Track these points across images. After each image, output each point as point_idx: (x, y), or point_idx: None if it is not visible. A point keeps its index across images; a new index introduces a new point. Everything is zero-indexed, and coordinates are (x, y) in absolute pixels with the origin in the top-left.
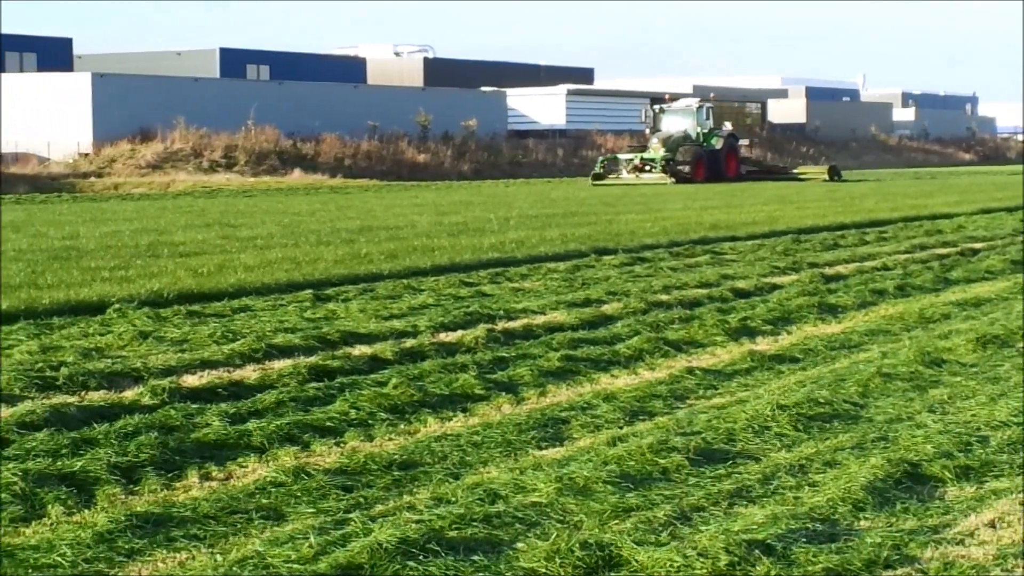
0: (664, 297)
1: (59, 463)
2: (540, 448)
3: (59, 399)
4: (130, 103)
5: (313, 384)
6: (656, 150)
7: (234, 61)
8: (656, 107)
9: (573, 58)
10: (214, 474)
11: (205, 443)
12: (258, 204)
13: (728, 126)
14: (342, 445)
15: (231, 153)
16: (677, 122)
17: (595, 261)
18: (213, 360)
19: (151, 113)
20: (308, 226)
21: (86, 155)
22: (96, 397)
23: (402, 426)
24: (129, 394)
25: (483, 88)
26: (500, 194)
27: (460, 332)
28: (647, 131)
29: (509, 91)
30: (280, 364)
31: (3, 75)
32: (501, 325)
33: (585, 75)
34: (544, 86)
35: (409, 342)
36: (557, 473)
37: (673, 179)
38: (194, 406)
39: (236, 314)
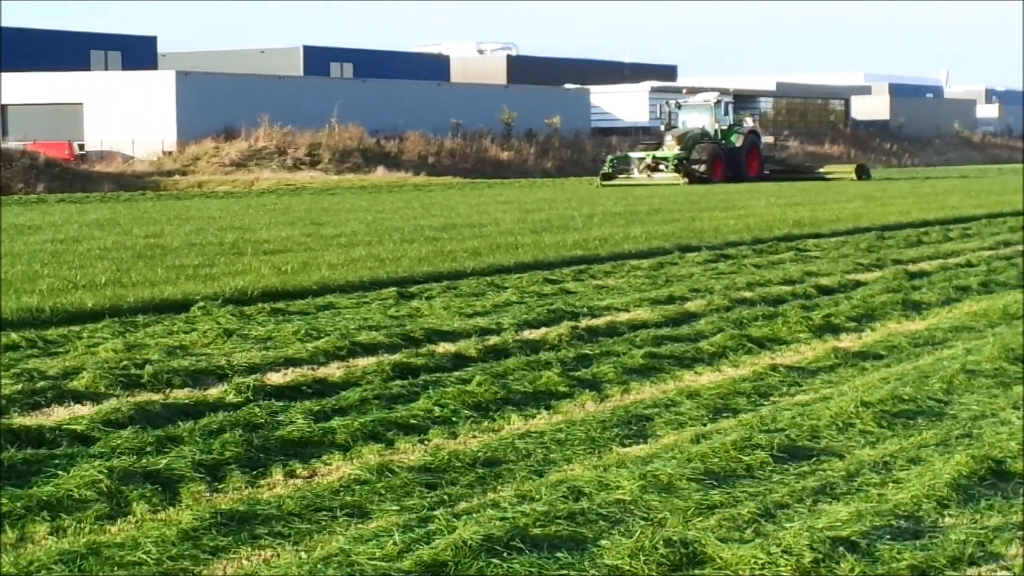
0: (748, 294)
1: (144, 461)
2: (624, 445)
3: (144, 397)
4: (214, 101)
5: (397, 382)
6: (671, 148)
7: (318, 59)
8: (673, 102)
9: (656, 55)
10: (298, 472)
11: (289, 441)
12: (342, 202)
13: (750, 122)
14: (426, 443)
15: (315, 151)
16: (694, 118)
17: (679, 258)
18: (297, 358)
19: (235, 111)
20: (391, 224)
21: (170, 153)
22: (180, 395)
23: (486, 423)
24: (213, 392)
25: (566, 85)
26: (583, 191)
27: (544, 329)
28: (662, 128)
29: (592, 88)
30: (364, 362)
31: (89, 73)
32: (585, 322)
33: (668, 72)
34: (627, 83)
35: (493, 339)
36: (641, 470)
37: (686, 179)
38: (278, 404)
39: (320, 312)
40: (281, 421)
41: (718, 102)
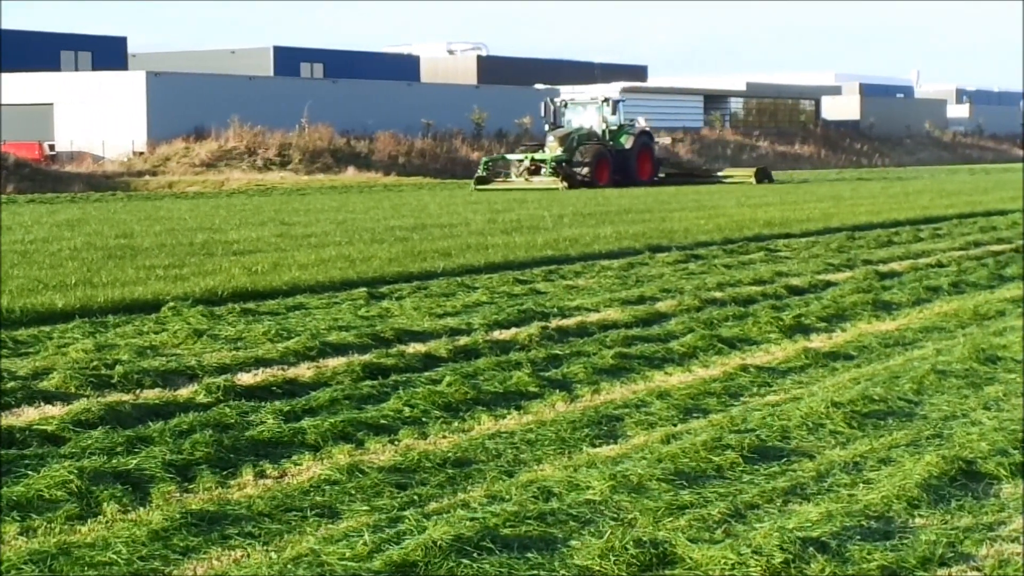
0: (718, 294)
1: (114, 461)
2: (594, 446)
3: (114, 397)
4: (185, 102)
5: (367, 382)
6: (552, 149)
7: (288, 59)
8: (559, 100)
9: (627, 56)
10: (269, 472)
11: (260, 441)
12: (312, 202)
13: (641, 122)
14: (396, 443)
15: (285, 151)
16: (581, 118)
17: (649, 259)
18: (267, 358)
19: (205, 111)
20: (362, 224)
21: (141, 154)
22: (151, 395)
23: (456, 424)
24: (184, 392)
25: (537, 86)
26: (554, 191)
27: (514, 330)
28: (546, 127)
29: (563, 89)
30: (334, 362)
31: (59, 74)
32: (555, 323)
33: (639, 72)
34: (598, 84)
35: (463, 340)
36: (611, 471)
37: (566, 183)
38: (249, 404)
39: (290, 312)
40: (251, 421)
41: (606, 100)
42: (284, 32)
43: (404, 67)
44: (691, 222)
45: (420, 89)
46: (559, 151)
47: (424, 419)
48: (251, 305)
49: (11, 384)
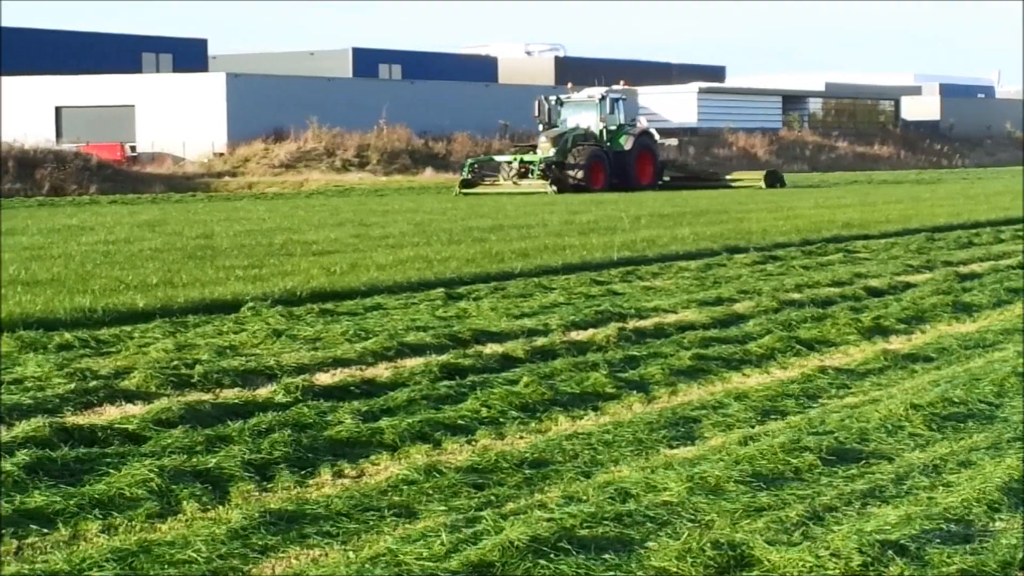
0: (796, 296)
1: (194, 460)
2: (671, 447)
3: (194, 396)
4: (264, 103)
5: (445, 382)
6: (544, 150)
7: (367, 61)
8: (553, 98)
9: (705, 56)
10: (347, 472)
11: (338, 441)
12: (390, 203)
13: (643, 122)
14: (473, 443)
15: (363, 152)
16: (577, 117)
17: (727, 260)
18: (345, 358)
19: (284, 113)
20: (439, 225)
21: (220, 155)
22: (230, 395)
23: (533, 424)
24: (263, 392)
25: (615, 86)
26: (631, 193)
27: (591, 330)
28: (540, 127)
29: (640, 89)
30: (412, 362)
31: (140, 76)
32: (632, 324)
33: (717, 73)
34: (676, 84)
35: (540, 340)
36: (688, 472)
37: (555, 187)
38: (327, 404)
39: (368, 312)
40: (329, 421)
41: (603, 98)
42: (363, 33)
43: (482, 68)
44: (768, 223)
45: (497, 90)
46: (551, 152)
47: (501, 420)
48: (329, 305)
49: (93, 383)
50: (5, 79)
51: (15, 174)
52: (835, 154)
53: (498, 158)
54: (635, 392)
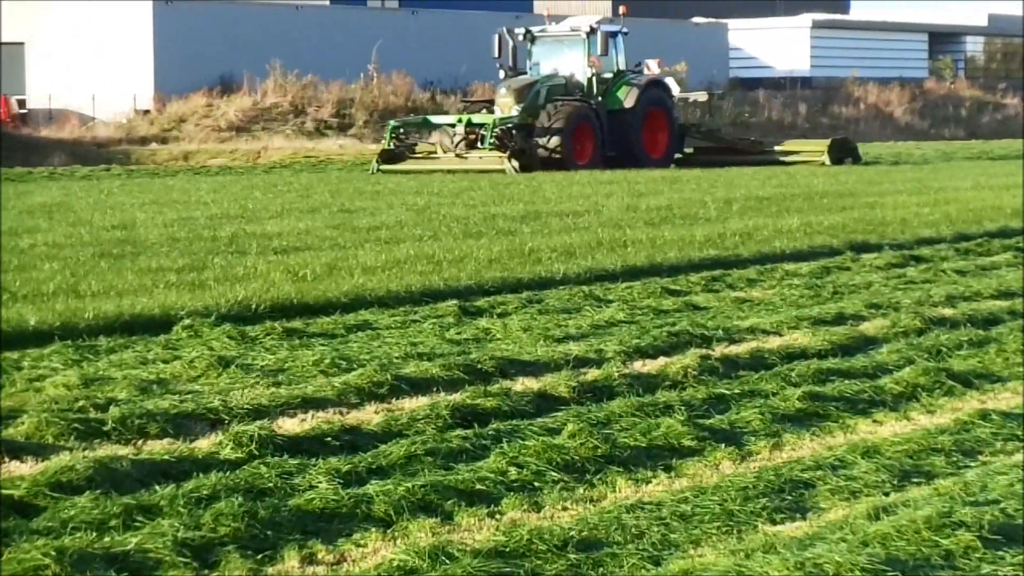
0: (948, 312)
1: (107, 539)
2: (773, 522)
3: (108, 450)
4: (207, 41)
5: (458, 431)
6: (505, 107)
7: None
8: (520, 32)
9: None
10: (321, 556)
11: (308, 513)
12: (382, 181)
13: (654, 66)
14: (498, 517)
15: (345, 110)
16: (554, 59)
17: (851, 261)
18: (319, 397)
19: (236, 55)
20: (451, 211)
21: (146, 112)
22: (158, 447)
23: (581, 491)
24: (204, 444)
25: (695, 20)
26: (718, 168)
27: (662, 360)
28: (501, 74)
29: (731, 23)
30: (412, 403)
31: (32, 2)
32: (720, 350)
33: (837, 2)
34: (780, 16)
35: (592, 373)
36: (798, 558)
37: (515, 163)
38: (293, 461)
39: (351, 333)
40: (297, 485)
41: (592, 31)
42: None
43: None
44: (909, 210)
45: (533, 23)
46: (514, 111)
47: (536, 484)
48: (297, 324)
49: None
50: None
51: None
52: (1002, 114)
53: (435, 119)
54: (723, 445)
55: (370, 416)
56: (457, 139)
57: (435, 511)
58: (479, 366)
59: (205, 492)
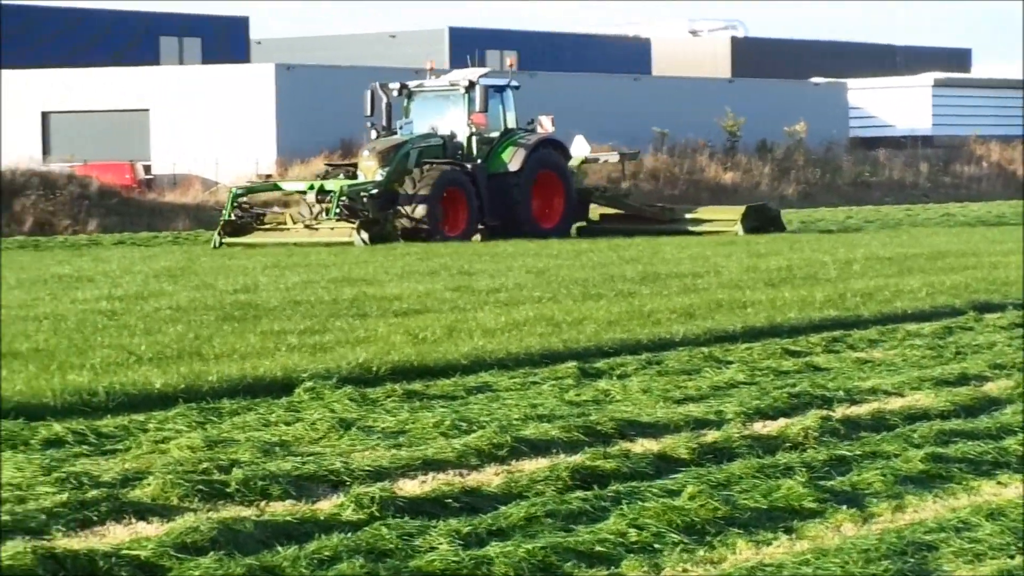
0: None
1: None
2: None
3: (231, 512)
4: (327, 105)
5: (578, 493)
6: (368, 171)
7: (469, 44)
8: (394, 88)
9: (942, 37)
10: None
11: (429, 574)
12: (501, 244)
13: (547, 123)
14: None
15: None
16: (432, 117)
17: (974, 321)
18: (440, 459)
19: (356, 118)
20: (570, 273)
21: (268, 177)
22: (280, 509)
23: (702, 552)
24: (325, 505)
25: (814, 79)
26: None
27: (783, 421)
28: (373, 133)
29: (851, 83)
30: (532, 465)
31: (158, 68)
32: (841, 411)
33: (959, 59)
34: (901, 75)
35: (712, 435)
36: None
37: (364, 235)
38: (414, 523)
39: (471, 395)
40: (418, 547)
41: (471, 86)
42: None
43: (629, 54)
44: None
45: (651, 84)
46: (378, 175)
47: (656, 546)
48: (417, 386)
49: (93, 492)
50: None
51: None
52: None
53: (286, 185)
54: (845, 507)
55: (490, 478)
56: (316, 208)
57: (555, 573)
58: (598, 428)
59: (327, 554)
